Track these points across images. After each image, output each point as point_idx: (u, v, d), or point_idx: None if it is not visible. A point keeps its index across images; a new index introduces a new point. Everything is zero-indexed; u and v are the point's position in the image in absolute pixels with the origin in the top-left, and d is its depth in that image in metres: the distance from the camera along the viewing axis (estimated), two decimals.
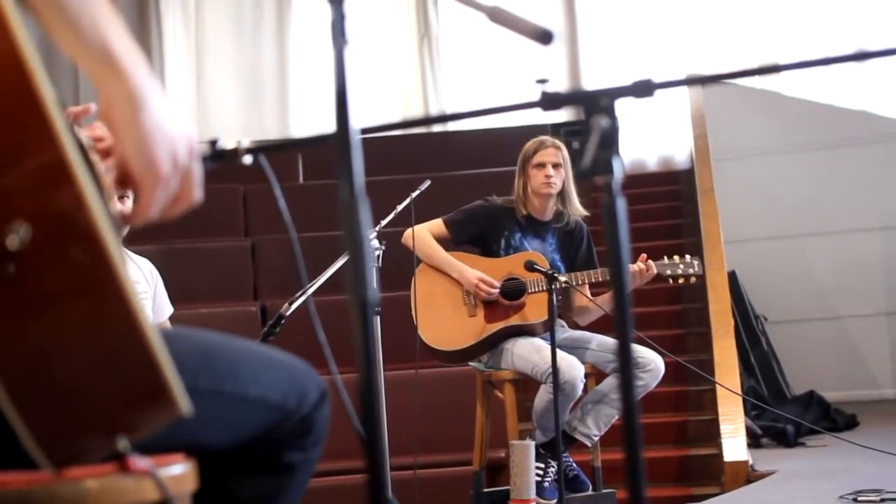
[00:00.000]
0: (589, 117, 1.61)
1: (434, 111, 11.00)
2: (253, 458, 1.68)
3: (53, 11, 1.25)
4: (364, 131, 1.43)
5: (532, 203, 5.09)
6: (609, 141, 1.61)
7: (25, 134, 1.14)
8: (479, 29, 10.99)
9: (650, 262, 4.91)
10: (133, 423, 1.24)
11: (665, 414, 7.19)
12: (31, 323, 1.15)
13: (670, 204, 9.82)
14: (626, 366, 1.64)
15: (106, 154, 1.81)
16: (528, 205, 5.10)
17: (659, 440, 6.94)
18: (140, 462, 1.25)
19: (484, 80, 11.00)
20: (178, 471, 1.54)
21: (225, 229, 8.94)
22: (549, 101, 1.64)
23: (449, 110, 11.02)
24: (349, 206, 1.36)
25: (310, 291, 4.15)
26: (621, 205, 1.64)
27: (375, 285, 4.47)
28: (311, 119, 10.90)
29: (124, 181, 1.41)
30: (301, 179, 10.11)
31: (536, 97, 1.59)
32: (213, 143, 1.75)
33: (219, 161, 1.75)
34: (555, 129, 10.32)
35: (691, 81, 1.70)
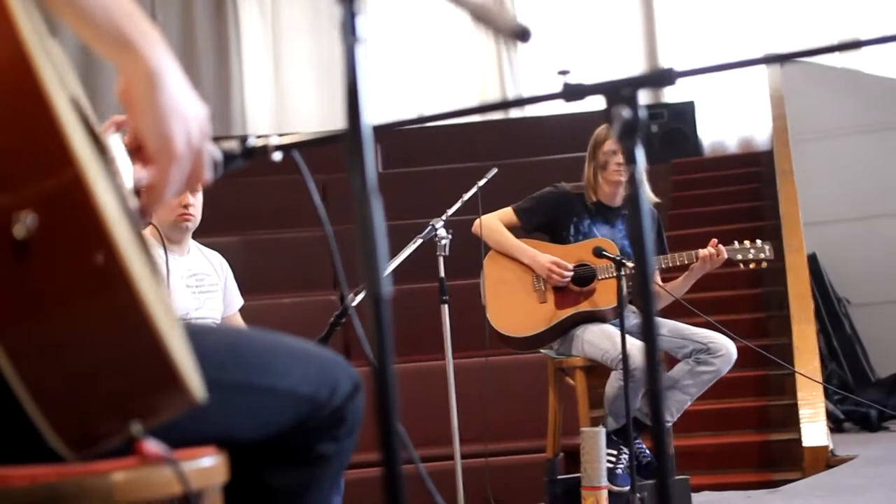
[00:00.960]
0: (610, 108, 1.61)
1: (511, 90, 10.97)
2: (285, 449, 1.70)
3: (65, 7, 1.28)
4: (376, 129, 1.44)
5: (602, 189, 5.07)
6: (631, 131, 1.60)
7: (31, 129, 1.16)
8: (556, 12, 10.96)
9: (720, 246, 4.87)
10: (146, 409, 1.27)
11: (746, 398, 7.12)
12: (40, 312, 1.18)
13: (750, 186, 9.71)
14: (651, 349, 1.64)
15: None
16: (598, 191, 5.08)
17: (740, 425, 6.89)
18: (153, 446, 1.28)
19: (560, 64, 10.94)
20: (208, 463, 1.57)
21: (307, 220, 9.01)
22: (571, 93, 1.65)
23: (526, 94, 10.99)
24: (361, 201, 1.37)
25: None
26: (644, 193, 1.64)
27: (442, 274, 4.50)
28: (389, 111, 10.93)
29: (141, 159, 1.44)
30: (381, 168, 10.16)
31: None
32: (244, 140, 1.78)
33: (249, 158, 1.78)
34: None
35: (715, 69, 1.68)
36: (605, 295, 4.89)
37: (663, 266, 4.91)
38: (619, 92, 1.60)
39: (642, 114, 1.61)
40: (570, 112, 10.16)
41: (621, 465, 4.75)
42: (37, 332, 1.19)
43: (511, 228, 5.10)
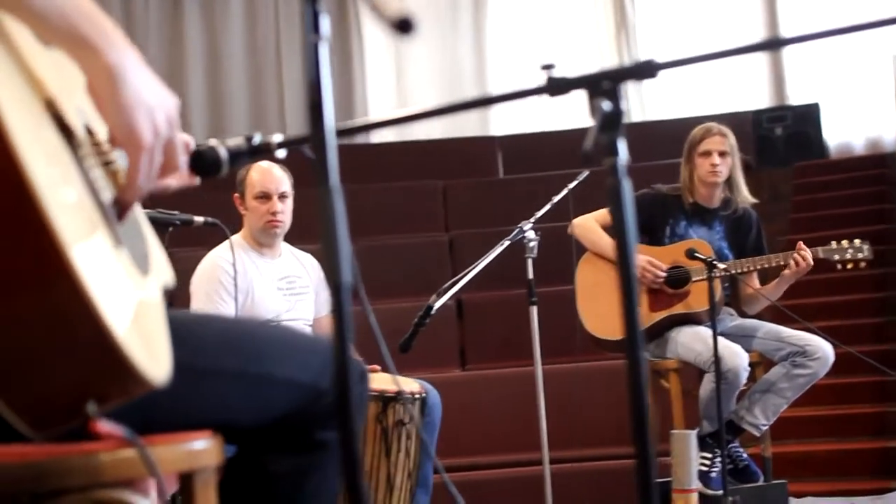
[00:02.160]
0: (592, 101, 1.62)
1: (632, 96, 10.88)
2: (286, 435, 1.76)
3: (20, 11, 1.35)
4: (339, 133, 1.48)
5: (699, 191, 5.03)
6: (613, 123, 1.62)
7: None
8: (676, 12, 10.83)
9: (807, 252, 4.79)
10: (100, 392, 1.33)
11: (863, 405, 6.95)
12: None
13: (877, 188, 9.45)
14: (633, 348, 1.65)
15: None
16: (694, 192, 5.04)
17: (856, 432, 6.72)
18: (107, 426, 1.34)
19: (685, 75, 10.77)
20: (200, 445, 1.64)
21: (425, 224, 9.10)
22: (555, 87, 1.67)
23: (646, 95, 10.89)
24: (326, 200, 1.42)
25: (459, 285, 4.26)
26: (627, 186, 1.65)
27: (530, 276, 4.51)
28: (510, 113, 10.93)
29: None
30: (501, 174, 10.20)
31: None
32: (249, 139, 1.84)
33: (255, 155, 1.84)
34: (756, 116, 10.11)
35: (701, 58, 1.69)
36: (699, 297, 4.85)
37: (758, 268, 4.85)
38: (598, 85, 1.61)
39: (623, 106, 1.62)
40: (667, 118, 10.06)
41: (716, 469, 4.70)
42: None
43: (607, 230, 5.09)
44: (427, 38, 11.10)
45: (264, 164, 4.44)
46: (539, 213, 4.59)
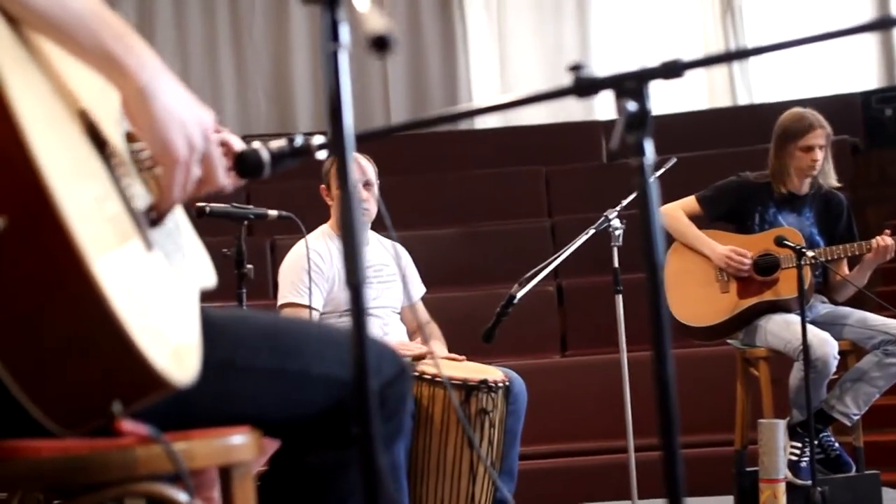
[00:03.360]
0: (618, 101, 1.64)
1: (740, 88, 10.73)
2: (325, 431, 1.80)
3: (52, 33, 1.42)
4: (359, 138, 1.51)
5: (791, 181, 4.97)
6: (639, 123, 1.62)
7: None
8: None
9: (886, 238, 4.71)
10: (124, 393, 1.39)
11: None
12: (15, 305, 1.32)
13: None
14: (659, 340, 1.66)
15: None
16: (786, 182, 4.98)
17: None
18: (130, 425, 1.40)
19: (793, 56, 10.56)
20: (238, 440, 1.70)
21: (527, 210, 9.10)
22: (583, 87, 1.68)
23: (755, 89, 10.72)
24: (346, 200, 1.45)
25: (542, 274, 4.28)
26: (654, 186, 1.66)
27: (616, 264, 4.49)
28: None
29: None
30: (604, 159, 10.15)
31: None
32: (291, 140, 1.89)
33: (297, 157, 1.88)
34: (865, 97, 9.90)
35: (720, 59, 1.68)
36: (788, 284, 4.79)
37: (848, 255, 4.78)
38: (623, 85, 1.62)
39: (649, 106, 1.62)
40: (774, 101, 9.88)
41: (806, 458, 4.65)
42: (13, 323, 1.33)
43: (695, 218, 5.07)
44: (531, 22, 11.07)
45: None
46: (625, 202, 4.57)
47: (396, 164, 9.03)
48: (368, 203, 4.46)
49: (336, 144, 1.46)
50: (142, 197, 1.59)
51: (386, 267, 4.60)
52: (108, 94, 1.55)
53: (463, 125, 10.39)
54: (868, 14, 10.17)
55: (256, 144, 1.88)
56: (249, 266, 3.71)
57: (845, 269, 4.95)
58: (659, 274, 1.64)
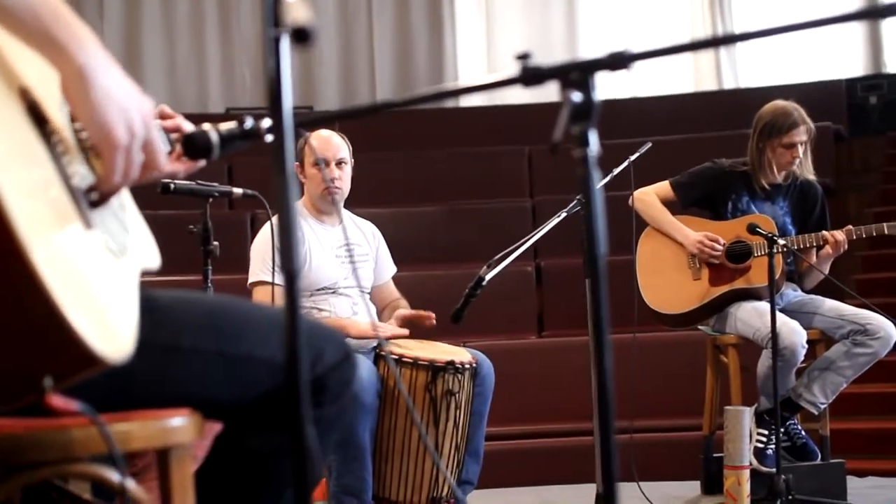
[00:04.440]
0: (563, 91, 1.63)
1: (726, 74, 10.71)
2: (268, 414, 1.81)
3: None
4: (300, 124, 1.51)
5: (769, 174, 4.96)
6: (584, 114, 1.63)
7: None
8: None
9: (839, 233, 4.73)
10: (56, 368, 1.40)
11: None
12: None
13: None
14: (598, 331, 1.66)
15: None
16: (764, 174, 4.96)
17: None
18: (60, 401, 1.41)
19: (780, 42, 10.52)
20: (177, 423, 1.70)
21: (509, 190, 9.09)
22: (528, 77, 1.68)
23: (741, 74, 10.71)
24: (281, 187, 1.45)
25: (512, 257, 4.27)
26: (597, 177, 1.66)
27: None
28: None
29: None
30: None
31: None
32: (241, 122, 1.88)
33: (247, 140, 1.88)
34: (850, 85, 9.91)
35: (671, 50, 1.68)
36: (759, 272, 4.80)
37: (817, 244, 4.79)
38: (568, 76, 1.62)
39: (595, 97, 1.63)
40: (760, 86, 9.87)
41: (772, 446, 4.67)
42: None
43: (668, 203, 5.07)
44: (519, 4, 11.05)
45: (324, 133, 4.50)
46: (600, 183, 4.55)
47: (379, 140, 9.04)
48: (340, 182, 4.45)
49: (276, 130, 1.46)
50: (84, 176, 1.58)
51: (358, 246, 4.60)
52: (53, 74, 1.54)
53: (448, 103, 10.36)
54: (856, 1, 10.17)
55: (206, 126, 1.88)
56: (216, 243, 3.71)
57: (814, 258, 4.95)
58: (599, 266, 1.64)
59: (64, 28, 1.46)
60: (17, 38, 1.46)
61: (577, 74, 1.62)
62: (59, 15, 1.46)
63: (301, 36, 1.16)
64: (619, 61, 1.63)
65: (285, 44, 1.44)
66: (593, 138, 1.63)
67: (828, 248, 4.77)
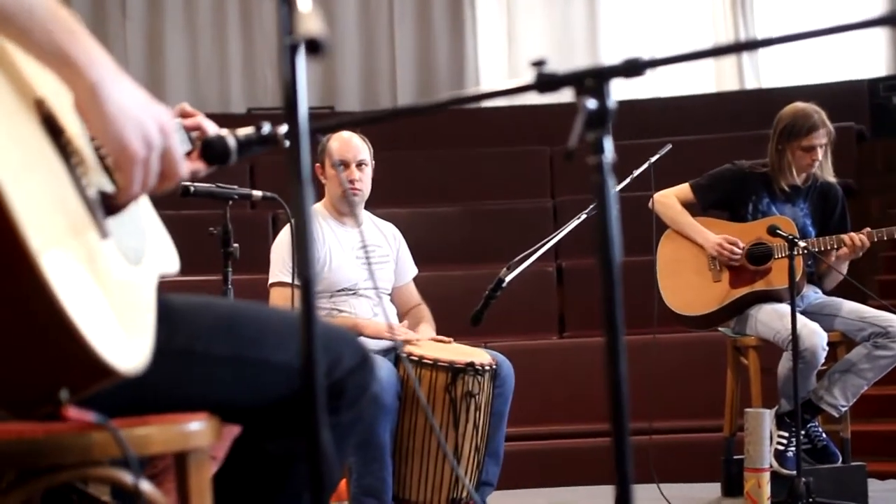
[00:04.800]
0: (578, 98, 1.64)
1: (748, 74, 10.67)
2: (285, 419, 1.82)
3: (2, 25, 1.42)
4: (315, 130, 1.51)
5: (789, 176, 4.95)
6: (599, 121, 1.63)
7: None
8: None
9: (860, 235, 4.71)
10: (71, 380, 1.41)
11: None
12: None
13: None
14: (612, 335, 1.67)
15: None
16: (784, 176, 4.95)
17: None
18: (75, 412, 1.42)
19: (802, 42, 10.44)
20: (195, 427, 1.72)
21: (531, 190, 9.09)
22: (543, 84, 1.68)
23: (763, 74, 10.66)
24: (297, 195, 1.46)
25: (532, 258, 4.28)
26: (612, 184, 1.67)
27: None
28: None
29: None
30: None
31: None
32: (259, 128, 1.90)
33: (265, 145, 1.90)
34: (872, 85, 9.87)
35: (687, 57, 1.68)
36: (780, 274, 4.78)
37: (837, 247, 4.77)
38: (582, 83, 1.63)
39: (610, 104, 1.63)
40: (782, 86, 9.82)
41: (792, 448, 4.66)
42: None
43: (688, 205, 5.07)
44: (540, 7, 11.04)
45: (344, 134, 4.51)
46: (619, 186, 4.56)
47: (400, 140, 9.05)
48: (361, 183, 4.47)
49: (292, 138, 1.47)
50: (101, 186, 1.60)
51: (379, 248, 4.61)
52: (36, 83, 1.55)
53: (469, 104, 10.34)
54: (879, 2, 10.12)
55: (224, 132, 1.90)
56: (235, 245, 3.73)
57: (833, 259, 4.94)
58: (614, 270, 1.64)
59: (76, 44, 1.47)
60: (28, 53, 1.46)
61: (591, 81, 1.62)
62: (70, 30, 1.47)
63: (314, 48, 1.16)
64: (633, 68, 1.63)
65: (301, 52, 1.45)
66: (608, 145, 1.63)
67: (845, 249, 4.76)
